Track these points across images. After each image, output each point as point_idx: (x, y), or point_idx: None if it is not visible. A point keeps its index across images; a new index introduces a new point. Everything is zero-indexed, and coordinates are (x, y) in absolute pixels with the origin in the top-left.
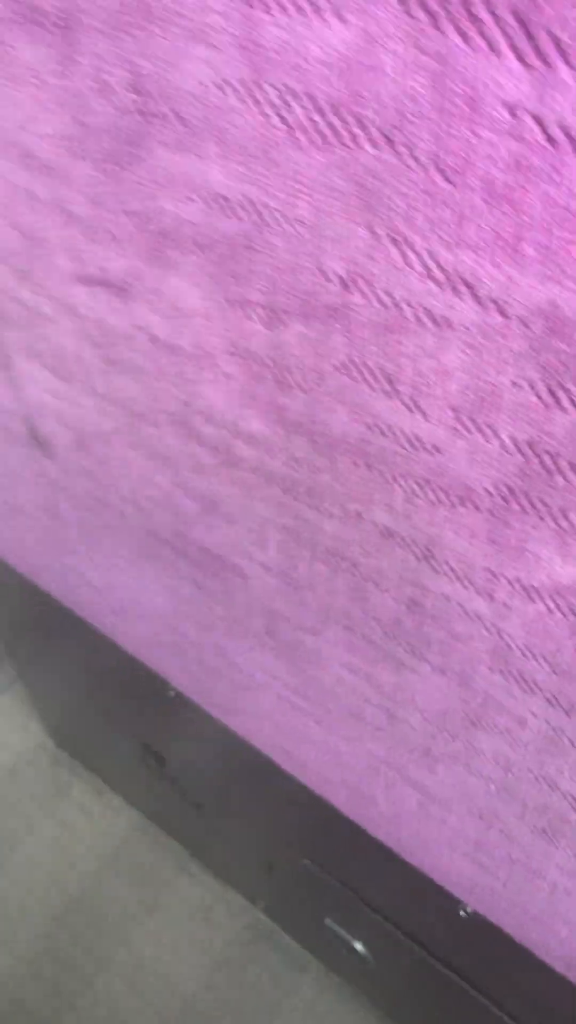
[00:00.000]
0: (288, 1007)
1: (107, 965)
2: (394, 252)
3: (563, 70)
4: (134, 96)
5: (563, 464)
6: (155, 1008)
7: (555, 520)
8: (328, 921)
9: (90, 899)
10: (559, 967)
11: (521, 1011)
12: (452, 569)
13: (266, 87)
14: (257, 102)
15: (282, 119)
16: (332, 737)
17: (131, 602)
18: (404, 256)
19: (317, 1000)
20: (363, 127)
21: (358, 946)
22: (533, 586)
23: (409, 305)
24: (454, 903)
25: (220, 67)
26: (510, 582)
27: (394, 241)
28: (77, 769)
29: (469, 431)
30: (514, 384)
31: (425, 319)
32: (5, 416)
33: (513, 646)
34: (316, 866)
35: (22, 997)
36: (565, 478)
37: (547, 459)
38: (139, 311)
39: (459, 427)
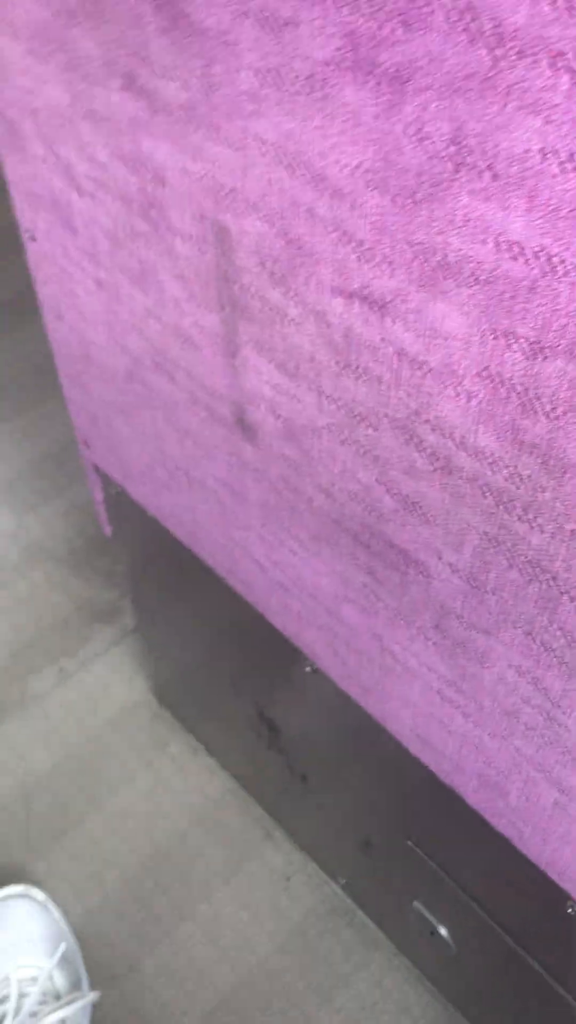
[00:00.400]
0: (357, 980)
1: (189, 916)
2: None
3: None
4: (451, 148)
5: None
6: (231, 962)
7: None
8: (416, 903)
9: (177, 853)
10: None
11: None
12: None
13: None
14: (572, 171)
15: None
16: (477, 731)
17: (293, 581)
18: None
19: (385, 978)
20: None
21: (443, 931)
22: None
23: None
24: (563, 898)
25: (550, 139)
26: None
27: None
28: (176, 728)
29: None
30: None
31: None
32: (214, 399)
33: None
34: (418, 848)
35: (108, 933)
36: None
37: None
38: (393, 327)
39: None
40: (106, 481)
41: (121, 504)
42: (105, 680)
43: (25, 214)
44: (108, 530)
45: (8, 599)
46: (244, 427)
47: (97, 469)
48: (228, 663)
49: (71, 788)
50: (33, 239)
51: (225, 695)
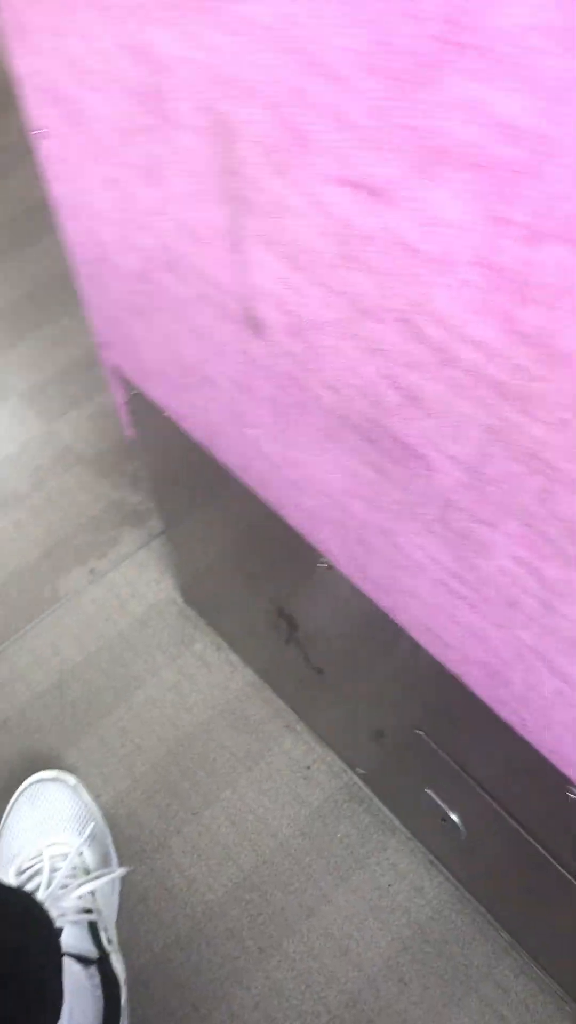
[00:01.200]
0: (372, 862)
1: (213, 801)
2: None
3: None
4: (444, 26)
5: None
6: (252, 843)
7: None
8: (428, 790)
9: (202, 743)
10: None
11: None
12: None
13: None
14: (569, 49)
15: None
16: (482, 621)
17: (304, 478)
18: None
19: (399, 861)
20: None
21: (454, 816)
22: None
23: None
24: (564, 784)
25: (544, 15)
26: None
27: None
28: (201, 626)
29: None
30: None
31: None
32: (222, 295)
33: None
34: (428, 737)
35: (137, 814)
36: None
37: None
38: (392, 216)
39: None
40: (125, 383)
41: (139, 406)
42: (134, 580)
43: (34, 111)
44: (129, 433)
45: (40, 501)
46: (252, 324)
47: (116, 371)
48: (248, 562)
49: (102, 680)
50: (43, 137)
51: (246, 593)
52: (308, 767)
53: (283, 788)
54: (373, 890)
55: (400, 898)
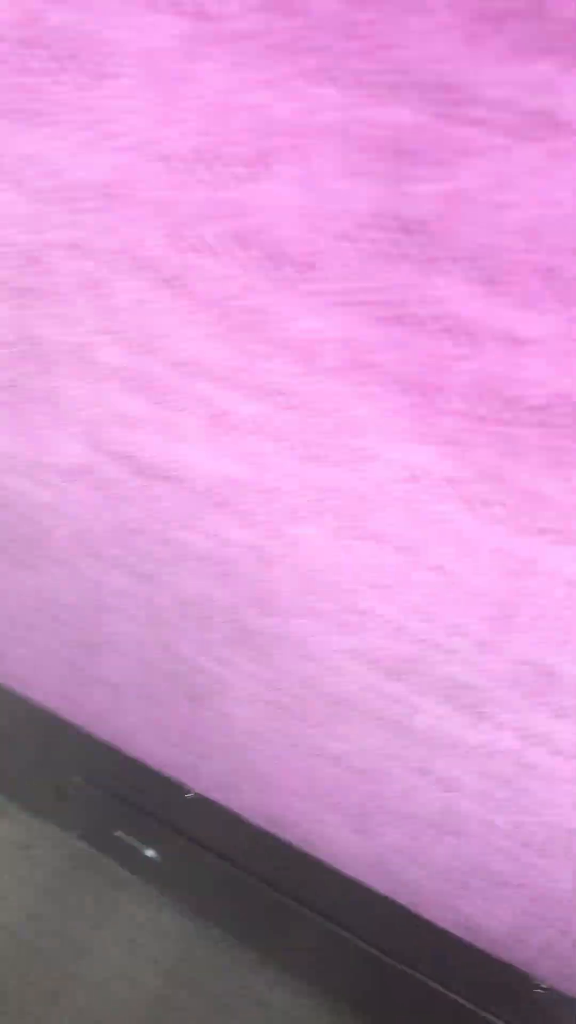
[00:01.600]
0: (109, 922)
1: None
2: None
3: None
4: None
5: None
6: None
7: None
8: (119, 832)
9: None
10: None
11: (258, 866)
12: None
13: None
14: None
15: None
16: (53, 643)
17: None
18: None
19: (137, 913)
20: None
21: (151, 852)
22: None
23: None
24: (180, 790)
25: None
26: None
27: None
28: None
29: None
30: None
31: None
32: None
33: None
34: (90, 780)
35: None
36: None
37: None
38: None
39: None
40: None
41: None
42: None
43: None
44: None
45: None
46: None
47: None
48: None
49: None
50: None
51: None
52: (29, 846)
53: (5, 875)
54: (118, 950)
55: (146, 950)
